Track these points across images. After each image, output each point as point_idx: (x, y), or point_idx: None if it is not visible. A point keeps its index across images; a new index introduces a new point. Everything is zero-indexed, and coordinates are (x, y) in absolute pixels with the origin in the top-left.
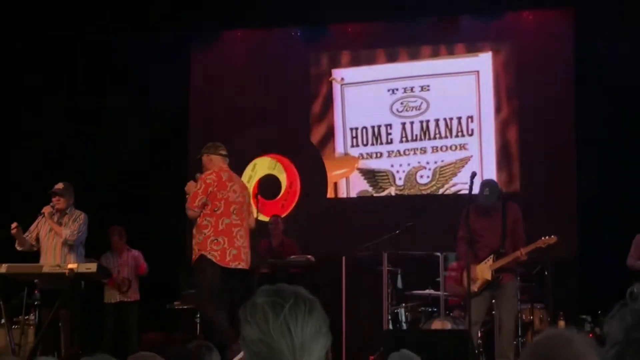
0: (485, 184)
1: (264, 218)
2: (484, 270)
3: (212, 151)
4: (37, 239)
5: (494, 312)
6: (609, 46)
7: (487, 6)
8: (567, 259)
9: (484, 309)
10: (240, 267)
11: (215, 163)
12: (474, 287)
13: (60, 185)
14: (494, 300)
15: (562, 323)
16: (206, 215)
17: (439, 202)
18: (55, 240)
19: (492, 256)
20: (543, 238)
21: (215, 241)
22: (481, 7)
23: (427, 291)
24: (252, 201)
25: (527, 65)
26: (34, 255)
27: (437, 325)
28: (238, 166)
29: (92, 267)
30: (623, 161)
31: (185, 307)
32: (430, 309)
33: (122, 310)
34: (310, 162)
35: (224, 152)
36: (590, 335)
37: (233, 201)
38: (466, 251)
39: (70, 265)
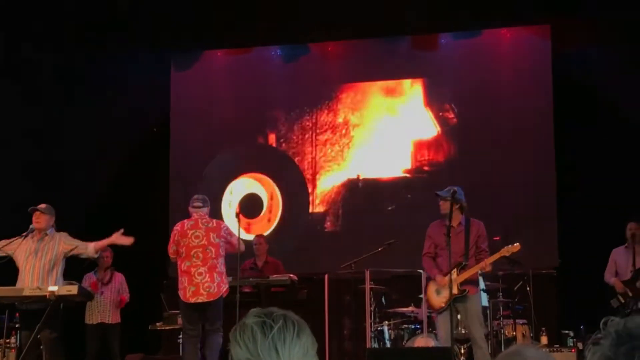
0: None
1: (251, 237)
2: (445, 283)
3: (189, 204)
4: (8, 256)
5: None
6: (586, 62)
7: (464, 24)
8: (548, 275)
9: (453, 323)
10: (199, 301)
11: (191, 214)
12: (441, 303)
13: (42, 205)
14: (459, 316)
15: (544, 339)
16: (178, 260)
17: (421, 219)
18: (34, 262)
19: (455, 270)
20: (506, 247)
21: (180, 281)
22: (459, 25)
23: (409, 308)
24: (233, 226)
25: (505, 82)
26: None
27: (420, 342)
28: (220, 184)
29: (73, 289)
30: (602, 176)
31: (167, 328)
32: (413, 327)
33: (103, 331)
34: (292, 180)
35: (195, 204)
36: (573, 350)
37: (194, 246)
38: (432, 265)
39: (51, 288)
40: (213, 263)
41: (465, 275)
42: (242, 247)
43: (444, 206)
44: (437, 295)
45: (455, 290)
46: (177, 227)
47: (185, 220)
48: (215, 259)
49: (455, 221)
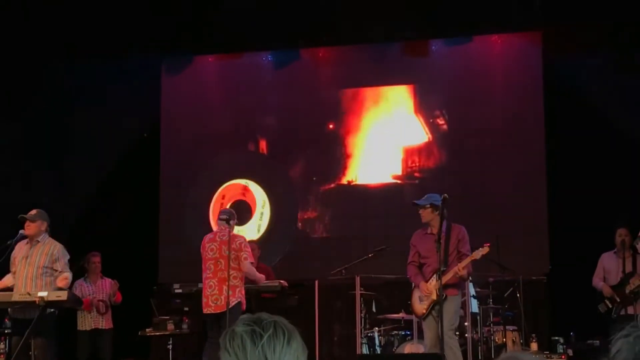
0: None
1: None
2: (430, 291)
3: (217, 217)
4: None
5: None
6: (577, 69)
7: (455, 30)
8: (538, 281)
9: (436, 329)
10: (209, 312)
11: (218, 226)
12: (422, 309)
13: (32, 211)
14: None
15: (534, 345)
16: None
17: (411, 225)
18: (27, 269)
19: (434, 276)
20: (476, 251)
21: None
22: (450, 31)
23: (400, 314)
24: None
25: (496, 89)
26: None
27: (410, 348)
28: (210, 191)
29: (62, 295)
30: (593, 181)
31: (157, 333)
32: (403, 333)
33: (96, 337)
34: (282, 186)
35: (221, 217)
36: (563, 357)
37: (209, 258)
38: (416, 273)
39: (40, 294)
40: (223, 275)
41: (443, 280)
42: (246, 269)
43: (424, 214)
44: (419, 302)
45: (434, 296)
46: (203, 240)
47: (207, 235)
48: (224, 271)
49: (436, 229)
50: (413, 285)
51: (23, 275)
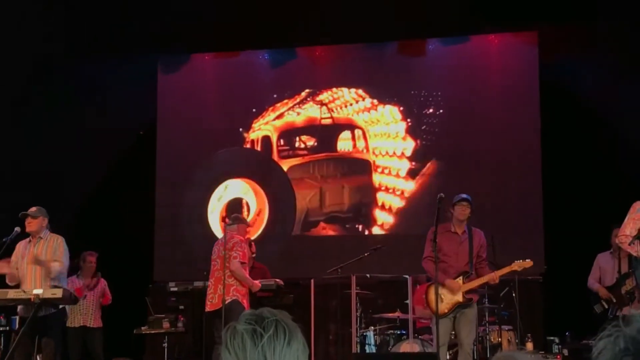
0: (463, 197)
1: None
2: (454, 292)
3: None
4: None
5: None
6: (572, 69)
7: (452, 30)
8: (534, 281)
9: (450, 330)
10: (207, 309)
11: None
12: (444, 309)
13: (33, 208)
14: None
15: (530, 345)
16: None
17: (407, 224)
18: (35, 267)
19: (460, 278)
20: (518, 262)
21: None
22: (447, 31)
23: (395, 314)
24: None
25: (493, 88)
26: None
27: (405, 348)
28: (206, 189)
29: (57, 292)
30: (588, 182)
31: (152, 332)
32: (399, 332)
33: (85, 335)
34: (279, 186)
35: (227, 221)
36: (559, 357)
37: (212, 260)
38: (435, 269)
39: (35, 291)
40: (219, 275)
41: (473, 285)
42: (233, 267)
43: (466, 211)
44: (440, 301)
45: (460, 298)
46: None
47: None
48: (220, 271)
49: (460, 229)
50: (439, 282)
51: (31, 274)
